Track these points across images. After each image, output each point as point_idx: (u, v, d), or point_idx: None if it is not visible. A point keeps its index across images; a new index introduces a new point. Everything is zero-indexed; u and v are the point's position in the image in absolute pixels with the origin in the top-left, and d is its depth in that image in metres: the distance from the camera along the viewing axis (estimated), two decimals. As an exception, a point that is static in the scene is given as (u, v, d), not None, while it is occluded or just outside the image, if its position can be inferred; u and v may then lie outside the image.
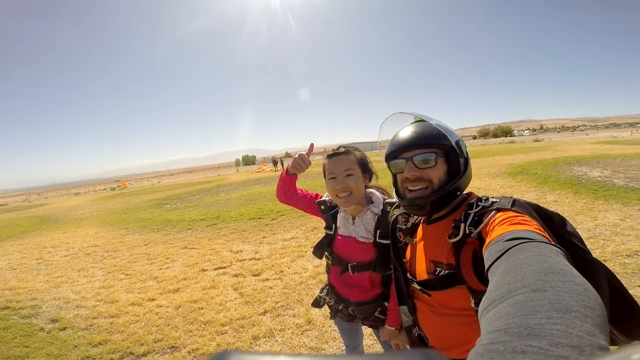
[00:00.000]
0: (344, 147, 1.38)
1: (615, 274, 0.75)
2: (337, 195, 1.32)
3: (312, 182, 13.40)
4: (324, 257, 1.53)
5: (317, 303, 1.62)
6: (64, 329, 3.26)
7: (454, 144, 0.90)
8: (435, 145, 0.90)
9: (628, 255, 3.27)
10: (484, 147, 27.78)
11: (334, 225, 1.46)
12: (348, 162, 1.32)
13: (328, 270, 1.55)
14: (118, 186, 43.30)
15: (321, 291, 1.61)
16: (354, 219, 1.40)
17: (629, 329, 0.72)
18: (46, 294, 4.31)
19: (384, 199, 1.38)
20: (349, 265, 1.38)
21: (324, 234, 1.52)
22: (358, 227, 1.37)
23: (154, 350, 2.70)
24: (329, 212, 1.48)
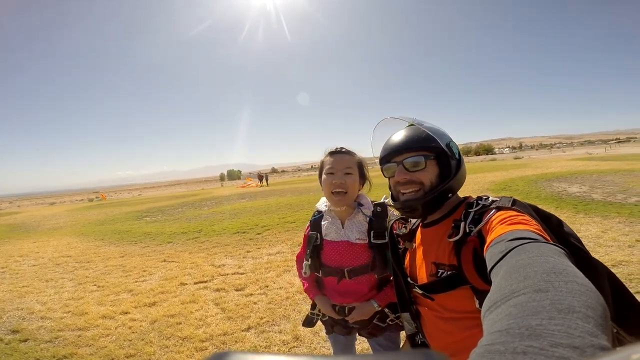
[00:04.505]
0: (345, 148, 1.37)
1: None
2: (331, 192, 1.30)
3: (297, 197, 13.34)
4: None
5: (309, 321, 1.50)
6: (26, 340, 3.04)
7: (444, 146, 0.91)
8: (425, 148, 0.91)
9: (613, 265, 3.33)
10: (467, 165, 28.17)
11: (318, 234, 1.40)
12: (349, 161, 1.32)
13: (319, 284, 1.46)
14: (97, 197, 41.88)
15: (313, 308, 1.49)
16: (342, 223, 1.36)
17: (632, 328, 0.72)
18: (8, 304, 4.05)
19: (373, 202, 1.37)
20: (345, 270, 1.31)
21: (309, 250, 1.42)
22: (349, 230, 1.34)
23: (126, 366, 2.50)
24: (312, 218, 1.45)
